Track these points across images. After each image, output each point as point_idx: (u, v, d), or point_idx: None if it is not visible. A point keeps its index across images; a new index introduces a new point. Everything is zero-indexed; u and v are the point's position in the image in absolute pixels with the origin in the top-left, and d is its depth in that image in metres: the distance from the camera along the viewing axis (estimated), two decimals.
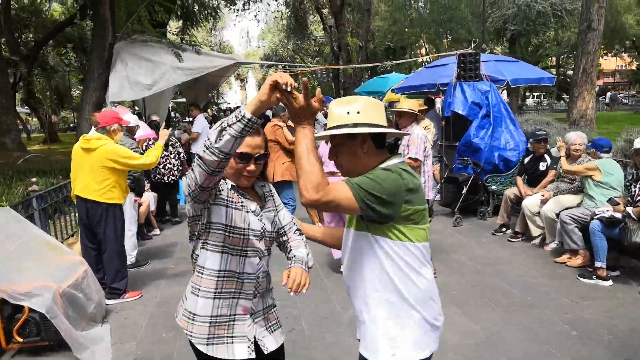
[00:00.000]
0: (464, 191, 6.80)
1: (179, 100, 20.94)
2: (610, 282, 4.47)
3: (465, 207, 7.41)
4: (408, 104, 4.75)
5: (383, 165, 1.76)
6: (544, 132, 6.05)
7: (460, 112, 7.15)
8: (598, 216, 4.58)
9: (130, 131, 5.33)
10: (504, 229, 6.27)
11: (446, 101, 7.50)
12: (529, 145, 6.36)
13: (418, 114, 4.78)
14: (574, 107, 15.01)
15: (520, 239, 5.93)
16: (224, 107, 30.44)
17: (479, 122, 7.13)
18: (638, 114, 25.74)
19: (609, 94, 32.56)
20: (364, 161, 1.79)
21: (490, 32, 26.08)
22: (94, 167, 4.25)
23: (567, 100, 31.06)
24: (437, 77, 7.86)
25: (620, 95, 41.63)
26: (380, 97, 13.49)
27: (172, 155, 7.14)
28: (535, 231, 5.75)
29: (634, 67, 41.87)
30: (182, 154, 7.34)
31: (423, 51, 37.96)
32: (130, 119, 5.37)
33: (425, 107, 7.30)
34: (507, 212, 6.24)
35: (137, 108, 10.62)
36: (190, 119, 10.81)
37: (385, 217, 1.64)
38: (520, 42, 30.02)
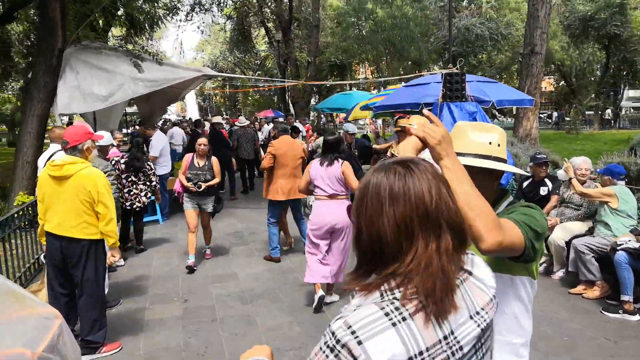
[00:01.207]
0: None
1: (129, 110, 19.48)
2: (638, 317, 4.26)
3: None
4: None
5: (507, 201, 1.74)
6: (545, 155, 5.87)
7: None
8: (622, 247, 4.39)
9: (103, 151, 4.55)
10: None
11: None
12: (527, 168, 6.17)
13: None
14: (520, 127, 15.50)
15: None
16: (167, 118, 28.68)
17: None
18: (570, 134, 27.21)
19: (555, 113, 34.32)
20: (489, 195, 1.64)
21: (432, 53, 26.75)
22: (72, 198, 3.49)
23: (501, 119, 32.60)
24: (420, 96, 7.57)
25: (543, 114, 44.24)
26: (345, 113, 13.19)
27: (140, 182, 6.34)
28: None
29: (551, 89, 44.83)
30: (154, 183, 6.56)
31: (367, 69, 38.42)
32: (104, 134, 4.59)
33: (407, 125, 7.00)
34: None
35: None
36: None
37: (538, 253, 1.55)
38: (458, 62, 31.06)
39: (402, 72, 26.31)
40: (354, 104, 11.62)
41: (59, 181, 3.51)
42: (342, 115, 37.82)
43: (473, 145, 1.66)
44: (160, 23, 17.61)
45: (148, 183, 6.52)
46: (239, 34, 29.96)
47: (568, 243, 5.19)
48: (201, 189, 5.71)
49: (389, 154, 6.68)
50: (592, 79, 40.14)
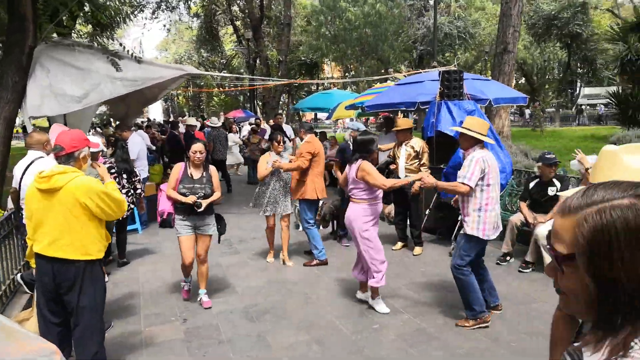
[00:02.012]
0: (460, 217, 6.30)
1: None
2: None
3: (445, 231, 6.98)
4: (471, 125, 4.05)
5: None
6: (554, 155, 5.72)
7: (448, 132, 6.67)
8: None
9: (94, 158, 4.08)
10: (508, 258, 5.84)
11: (428, 121, 7.00)
12: (535, 168, 6.01)
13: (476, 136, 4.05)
14: (492, 124, 15.62)
15: (531, 269, 5.52)
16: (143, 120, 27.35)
17: None
18: (535, 131, 27.75)
19: (527, 110, 34.97)
20: None
21: (401, 51, 26.78)
22: (64, 213, 3.04)
23: None
24: (415, 94, 7.35)
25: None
26: (326, 113, 12.88)
27: (123, 190, 5.86)
28: (548, 261, 5.35)
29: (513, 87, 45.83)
30: (139, 190, 6.08)
31: (333, 69, 38.30)
32: (97, 140, 4.13)
33: (413, 125, 6.76)
34: (512, 239, 5.81)
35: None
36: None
37: None
38: (426, 61, 31.29)
39: (368, 72, 26.27)
40: (336, 104, 11.34)
41: (48, 195, 3.06)
42: (310, 114, 37.62)
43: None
44: (127, 20, 16.96)
45: (132, 190, 6.05)
46: (206, 32, 29.27)
47: None
48: (201, 208, 4.49)
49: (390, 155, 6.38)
50: (552, 77, 41.32)
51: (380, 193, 4.53)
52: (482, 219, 4.01)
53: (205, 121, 16.11)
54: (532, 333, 3.99)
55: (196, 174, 4.66)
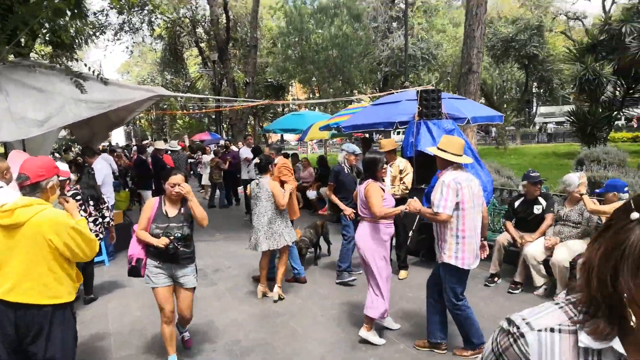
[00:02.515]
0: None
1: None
2: None
3: (427, 253, 6.84)
4: (445, 145, 3.89)
5: None
6: (539, 174, 5.66)
7: (429, 152, 6.57)
8: None
9: (61, 187, 3.71)
10: (496, 279, 5.71)
11: (408, 140, 6.90)
12: (520, 187, 5.94)
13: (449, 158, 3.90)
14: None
15: (520, 290, 5.39)
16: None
17: None
18: (498, 149, 28.35)
19: (493, 129, 35.73)
20: None
21: (367, 72, 27.04)
22: (27, 251, 2.68)
23: None
24: (393, 114, 7.24)
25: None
26: (299, 134, 12.69)
27: (90, 219, 5.45)
28: (539, 281, 5.26)
29: None
30: (107, 218, 5.68)
31: (297, 90, 38.33)
32: (65, 167, 3.79)
33: (396, 146, 6.61)
34: (499, 260, 5.69)
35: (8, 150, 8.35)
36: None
37: None
38: (390, 82, 31.75)
39: (336, 93, 26.37)
40: (309, 125, 11.17)
41: (11, 231, 2.70)
42: (276, 136, 37.43)
43: None
44: (88, 42, 16.45)
45: (101, 219, 5.64)
46: (170, 54, 28.85)
47: (570, 263, 4.98)
48: (177, 252, 3.73)
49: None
50: (510, 97, 42.63)
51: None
52: (460, 247, 3.72)
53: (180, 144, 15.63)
54: None
55: (172, 210, 3.79)
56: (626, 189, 4.76)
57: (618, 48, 18.82)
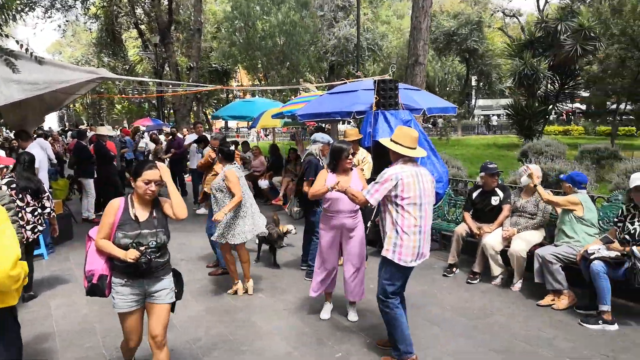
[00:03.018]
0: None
1: None
2: (616, 326, 4.20)
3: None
4: (397, 137, 3.75)
5: None
6: (496, 165, 5.75)
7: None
8: (596, 256, 4.32)
9: None
10: (454, 269, 5.78)
11: (365, 130, 6.83)
12: (478, 178, 6.01)
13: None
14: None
15: (478, 280, 5.48)
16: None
17: None
18: (441, 140, 29.14)
19: (440, 120, 36.43)
20: None
21: (316, 60, 26.93)
22: None
23: None
24: (349, 104, 7.14)
25: None
26: (250, 122, 12.36)
27: (27, 209, 4.99)
28: (496, 271, 5.36)
29: None
30: (48, 208, 5.23)
31: (241, 76, 37.62)
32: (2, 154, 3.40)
33: (360, 136, 6.50)
34: (457, 251, 5.75)
35: None
36: None
37: None
38: (337, 71, 31.80)
39: (284, 80, 26.07)
40: (261, 112, 10.90)
41: None
42: (220, 123, 36.55)
43: None
44: (17, 18, 15.21)
45: (41, 209, 5.19)
46: (107, 36, 27.37)
47: (527, 253, 5.11)
48: (150, 264, 3.01)
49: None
50: (452, 89, 43.95)
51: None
52: (398, 241, 3.50)
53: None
54: (501, 350, 3.86)
55: (143, 213, 3.04)
56: (584, 185, 4.89)
57: (554, 45, 19.75)
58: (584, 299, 4.69)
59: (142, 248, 2.95)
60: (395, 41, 34.97)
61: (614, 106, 29.67)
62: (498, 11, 40.81)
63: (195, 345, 4.10)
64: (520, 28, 36.07)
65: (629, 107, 24.51)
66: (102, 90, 33.81)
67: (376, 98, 6.84)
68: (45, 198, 5.28)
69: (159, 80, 14.31)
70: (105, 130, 9.24)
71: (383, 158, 6.74)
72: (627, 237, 4.32)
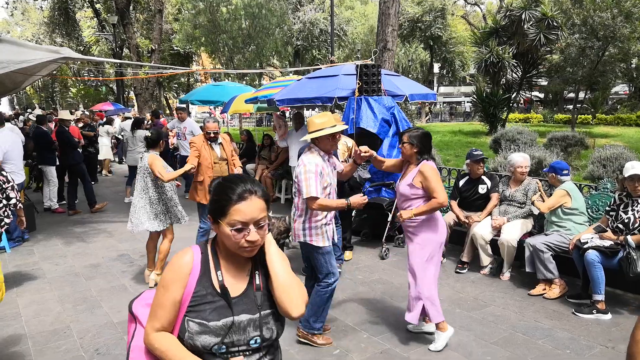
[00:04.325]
0: (390, 218, 6.06)
1: None
2: (610, 316, 4.22)
3: (369, 233, 6.75)
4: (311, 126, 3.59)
5: None
6: (481, 152, 5.68)
7: (371, 129, 6.39)
8: (590, 245, 4.32)
9: None
10: (442, 259, 5.71)
11: (348, 117, 6.64)
12: (464, 166, 5.93)
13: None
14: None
15: (467, 270, 5.44)
16: None
17: (390, 141, 6.51)
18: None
19: (412, 107, 36.54)
20: None
21: (281, 45, 26.46)
22: None
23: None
24: (330, 89, 6.92)
25: None
26: (220, 107, 11.94)
27: None
28: (485, 260, 5.32)
29: None
30: (13, 199, 4.78)
31: (202, 60, 36.62)
32: None
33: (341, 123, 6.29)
34: (446, 240, 5.67)
35: None
36: None
37: None
38: (302, 56, 31.42)
39: (251, 64, 25.49)
40: (232, 96, 10.51)
41: None
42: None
43: None
44: None
45: (5, 201, 4.75)
46: (60, 15, 25.96)
47: (518, 242, 5.08)
48: None
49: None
50: (415, 76, 44.29)
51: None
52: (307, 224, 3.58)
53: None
54: (502, 343, 3.80)
55: (236, 282, 1.64)
56: (566, 171, 4.89)
57: (517, 33, 20.03)
58: (574, 288, 4.72)
59: (248, 353, 1.59)
60: (360, 27, 34.81)
61: (571, 95, 30.63)
62: None
63: None
64: (482, 16, 36.54)
65: (585, 95, 25.31)
66: (54, 72, 32.18)
67: (359, 83, 6.66)
68: (10, 188, 4.84)
69: (126, 62, 13.62)
70: (68, 114, 8.67)
71: (368, 144, 6.61)
72: (620, 226, 4.33)
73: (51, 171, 8.27)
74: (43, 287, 5.13)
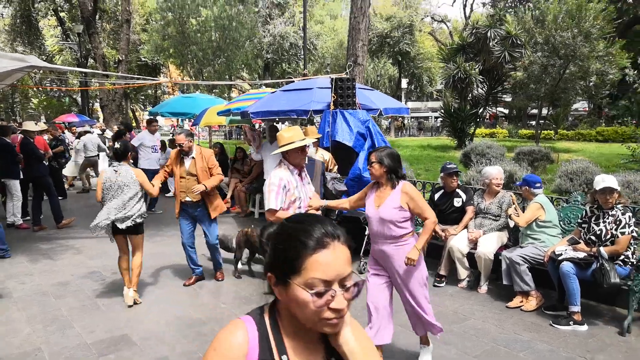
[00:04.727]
0: (368, 232, 6.05)
1: None
2: (586, 327, 4.30)
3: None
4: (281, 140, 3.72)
5: None
6: (455, 165, 5.76)
7: (347, 142, 6.41)
8: (564, 257, 4.41)
9: None
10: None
11: (323, 130, 6.66)
12: (439, 179, 5.99)
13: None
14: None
15: (444, 283, 5.47)
16: None
17: (366, 155, 6.53)
18: None
19: (385, 122, 36.66)
20: None
21: (253, 56, 26.43)
22: None
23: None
24: (305, 102, 6.92)
25: None
26: (191, 119, 11.76)
27: None
28: (463, 273, 5.37)
29: None
30: None
31: (170, 72, 36.23)
32: None
33: (320, 136, 6.29)
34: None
35: None
36: None
37: None
38: (271, 69, 31.45)
39: (221, 76, 25.33)
40: (203, 109, 10.38)
41: None
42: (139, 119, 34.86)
43: None
44: None
45: None
46: (22, 23, 25.24)
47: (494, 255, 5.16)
48: None
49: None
50: (384, 91, 44.97)
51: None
52: None
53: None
54: (484, 356, 3.82)
55: None
56: (538, 184, 5.02)
57: (483, 50, 20.62)
58: (550, 300, 4.81)
59: None
60: (329, 41, 35.13)
61: (534, 111, 31.62)
62: (427, 16, 42.19)
63: None
64: (448, 33, 37.48)
65: (548, 111, 26.15)
66: (15, 82, 31.13)
67: (334, 97, 6.69)
68: None
69: (95, 72, 13.23)
70: (33, 125, 8.36)
71: (343, 158, 6.66)
72: (592, 237, 4.44)
73: (15, 185, 7.94)
74: (9, 306, 4.88)
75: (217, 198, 5.43)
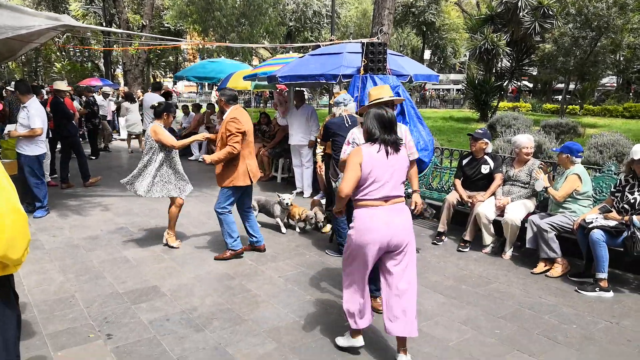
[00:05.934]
0: None
1: None
2: (612, 294, 4.29)
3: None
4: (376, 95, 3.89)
5: None
6: (482, 130, 5.69)
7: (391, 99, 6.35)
8: (595, 225, 4.37)
9: None
10: (443, 237, 5.74)
11: (352, 95, 6.59)
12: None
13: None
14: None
15: (468, 248, 5.48)
16: None
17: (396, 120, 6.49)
18: None
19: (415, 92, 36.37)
20: None
21: (276, 24, 26.12)
22: None
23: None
24: (335, 67, 6.86)
25: None
26: (217, 83, 11.79)
27: None
28: (488, 239, 5.37)
29: None
30: None
31: (193, 38, 36.08)
32: None
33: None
34: (448, 219, 5.71)
35: None
36: None
37: None
38: (294, 37, 31.10)
39: (239, 42, 25.13)
40: (230, 73, 10.37)
41: None
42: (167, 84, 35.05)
43: None
44: None
45: None
46: None
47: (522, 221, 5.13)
48: None
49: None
50: None
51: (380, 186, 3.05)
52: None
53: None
54: (509, 317, 3.85)
55: None
56: (580, 153, 4.92)
57: (513, 21, 20.06)
58: (575, 268, 4.79)
59: None
60: (353, 10, 34.52)
61: (560, 85, 30.86)
62: None
63: (192, 315, 3.82)
64: (476, 4, 36.44)
65: (574, 86, 25.51)
66: (39, 46, 31.34)
67: (364, 61, 6.60)
68: None
69: (126, 32, 13.24)
70: (64, 85, 8.46)
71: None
72: (626, 206, 4.39)
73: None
74: (42, 257, 5.05)
75: (225, 169, 4.87)
